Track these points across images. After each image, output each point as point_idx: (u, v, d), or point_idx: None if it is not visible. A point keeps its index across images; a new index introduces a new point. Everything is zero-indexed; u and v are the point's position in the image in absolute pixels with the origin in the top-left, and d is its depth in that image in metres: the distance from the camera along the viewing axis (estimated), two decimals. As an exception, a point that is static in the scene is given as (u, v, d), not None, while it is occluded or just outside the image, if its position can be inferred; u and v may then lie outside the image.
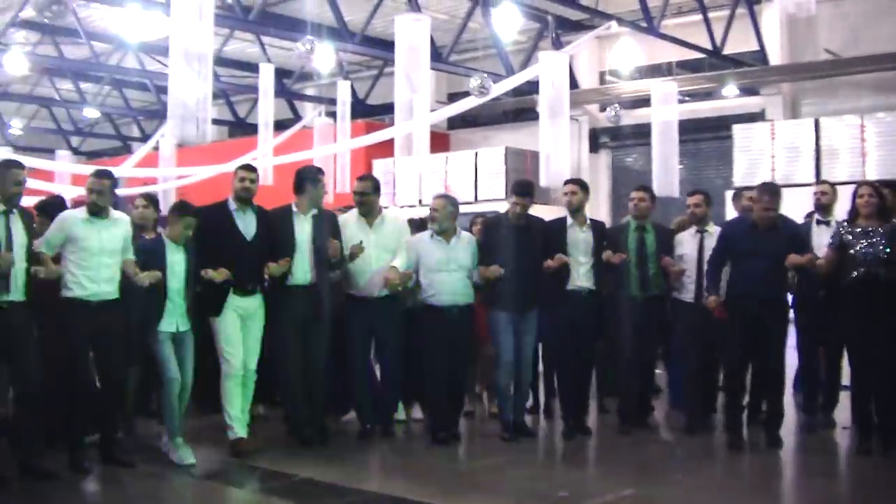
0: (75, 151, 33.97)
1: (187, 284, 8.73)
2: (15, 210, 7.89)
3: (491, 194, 21.07)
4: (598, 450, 9.95)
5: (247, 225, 9.08)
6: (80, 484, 8.16)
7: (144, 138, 30.88)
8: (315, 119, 22.85)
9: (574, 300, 9.93)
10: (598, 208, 21.69)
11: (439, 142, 22.01)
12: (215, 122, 24.48)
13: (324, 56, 17.86)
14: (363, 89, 25.92)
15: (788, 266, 9.31)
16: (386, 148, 19.28)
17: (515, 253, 9.71)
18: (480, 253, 9.85)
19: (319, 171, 9.61)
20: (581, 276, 9.93)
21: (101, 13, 23.22)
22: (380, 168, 22.20)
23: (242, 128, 29.62)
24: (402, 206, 20.41)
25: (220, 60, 23.12)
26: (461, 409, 10.30)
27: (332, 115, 21.53)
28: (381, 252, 9.70)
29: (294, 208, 9.35)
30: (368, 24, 19.85)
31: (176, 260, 8.69)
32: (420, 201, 21.48)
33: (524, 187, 10.03)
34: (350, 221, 9.88)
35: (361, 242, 9.51)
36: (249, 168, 9.42)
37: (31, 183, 20.51)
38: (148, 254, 8.67)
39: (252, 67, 24.52)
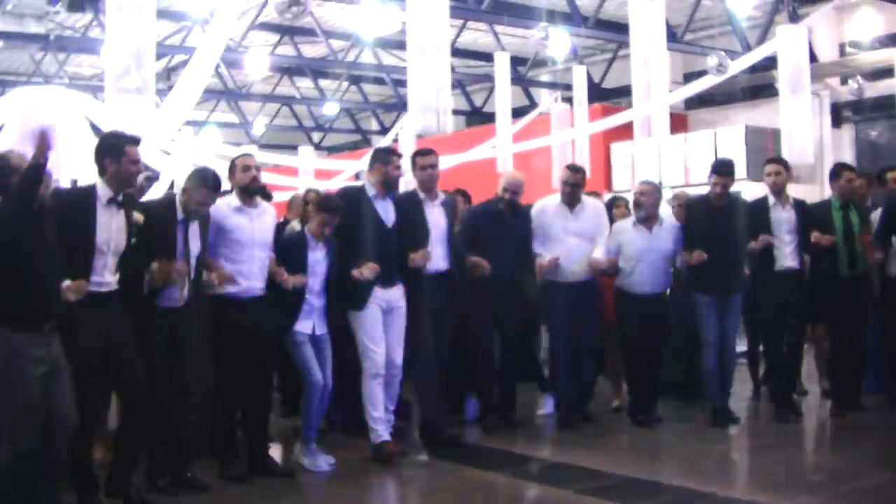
0: (317, 147, 34.73)
1: (327, 285, 8.24)
2: (196, 221, 7.42)
3: (732, 174, 20.66)
4: (828, 434, 9.95)
5: (386, 212, 8.66)
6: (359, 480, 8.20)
7: (383, 131, 31.41)
8: (551, 105, 22.86)
9: (781, 280, 9.80)
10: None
11: (677, 123, 21.69)
12: (453, 112, 24.70)
13: (558, 42, 17.82)
14: (598, 73, 25.78)
15: None
16: (623, 131, 19.15)
17: (719, 235, 9.59)
18: (684, 235, 9.78)
19: (388, 152, 9.03)
20: (786, 256, 9.80)
21: (337, 11, 23.74)
22: (618, 152, 22.03)
23: (479, 117, 29.80)
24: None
25: (455, 51, 23.35)
26: (658, 393, 10.17)
27: (568, 100, 21.52)
28: (580, 239, 9.69)
29: (420, 195, 9.05)
30: (601, 8, 19.79)
31: (317, 258, 8.20)
32: (660, 183, 21.27)
33: (723, 166, 9.97)
34: (549, 207, 9.86)
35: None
36: (399, 154, 9.00)
37: (276, 179, 21.17)
38: (288, 249, 8.19)
39: (486, 56, 24.71)
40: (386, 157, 8.75)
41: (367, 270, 8.18)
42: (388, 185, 8.70)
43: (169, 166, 12.70)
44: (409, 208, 8.90)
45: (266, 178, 20.69)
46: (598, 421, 10.05)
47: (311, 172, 25.06)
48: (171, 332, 7.23)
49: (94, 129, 12.01)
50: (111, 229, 6.73)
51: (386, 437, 8.44)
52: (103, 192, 6.76)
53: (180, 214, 7.31)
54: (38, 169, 5.76)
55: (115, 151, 6.81)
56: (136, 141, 7.03)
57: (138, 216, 7.01)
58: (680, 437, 9.70)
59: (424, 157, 9.12)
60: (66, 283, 6.17)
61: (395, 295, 8.63)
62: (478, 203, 10.40)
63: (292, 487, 7.82)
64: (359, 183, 9.07)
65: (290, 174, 24.56)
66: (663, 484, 7.66)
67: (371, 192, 8.67)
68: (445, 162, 21.14)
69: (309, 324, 8.14)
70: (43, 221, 6.11)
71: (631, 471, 8.05)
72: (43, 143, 5.73)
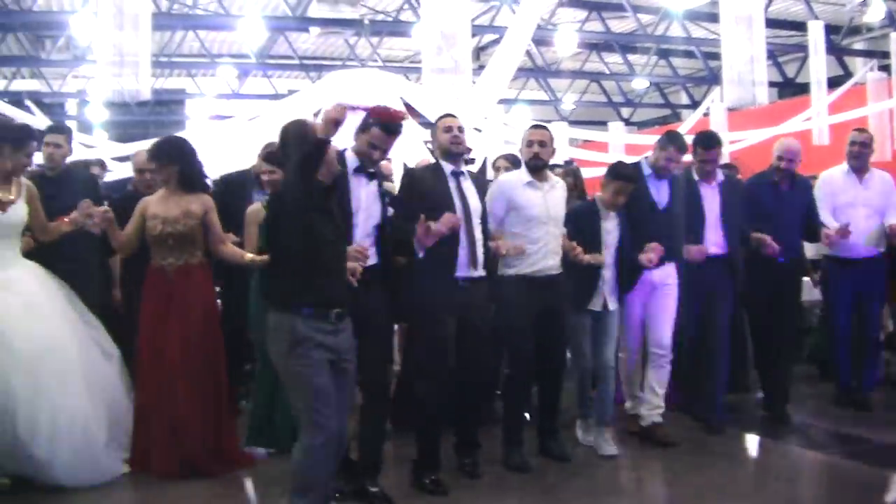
0: (626, 122, 34.71)
1: (620, 256, 7.85)
2: (465, 173, 7.11)
3: None
4: None
5: (660, 193, 8.21)
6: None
7: (693, 105, 31.16)
8: (867, 74, 22.21)
9: None
10: None
11: None
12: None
13: (874, 7, 17.33)
14: (916, 39, 24.87)
15: None
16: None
17: None
18: None
19: (668, 140, 8.34)
20: None
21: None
22: (937, 121, 21.25)
23: (791, 88, 29.19)
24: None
25: (766, 21, 22.97)
26: None
27: (885, 68, 20.86)
28: (869, 210, 9.14)
29: (695, 174, 8.52)
30: (920, -29, 19.14)
31: (608, 228, 7.82)
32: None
33: None
34: (836, 176, 9.33)
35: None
36: (678, 147, 8.37)
37: (586, 154, 21.35)
38: (580, 220, 7.80)
39: (797, 26, 24.21)
40: (664, 144, 8.27)
41: (653, 255, 7.73)
42: (658, 171, 8.27)
43: (482, 143, 13.00)
44: (685, 190, 8.43)
45: (576, 154, 20.99)
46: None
47: (621, 148, 25.10)
48: (464, 302, 6.87)
49: (409, 108, 12.38)
50: (360, 199, 6.42)
51: (653, 420, 8.18)
52: (351, 160, 6.48)
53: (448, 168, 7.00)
54: (320, 144, 5.33)
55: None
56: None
57: (390, 185, 6.86)
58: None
59: (707, 150, 8.44)
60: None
61: (664, 274, 8.15)
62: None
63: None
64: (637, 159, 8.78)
65: (601, 150, 24.73)
66: None
67: (647, 171, 8.32)
68: (756, 135, 20.98)
69: (599, 300, 7.81)
70: (329, 202, 5.68)
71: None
72: (331, 118, 5.22)
